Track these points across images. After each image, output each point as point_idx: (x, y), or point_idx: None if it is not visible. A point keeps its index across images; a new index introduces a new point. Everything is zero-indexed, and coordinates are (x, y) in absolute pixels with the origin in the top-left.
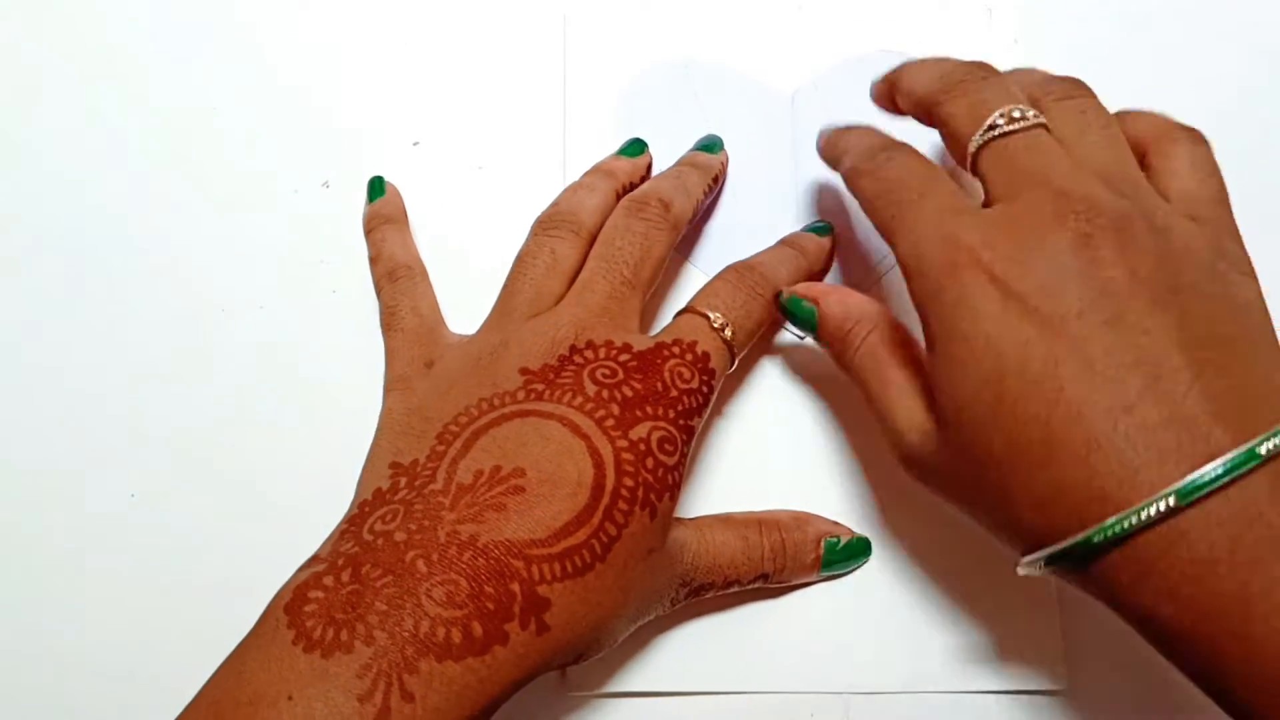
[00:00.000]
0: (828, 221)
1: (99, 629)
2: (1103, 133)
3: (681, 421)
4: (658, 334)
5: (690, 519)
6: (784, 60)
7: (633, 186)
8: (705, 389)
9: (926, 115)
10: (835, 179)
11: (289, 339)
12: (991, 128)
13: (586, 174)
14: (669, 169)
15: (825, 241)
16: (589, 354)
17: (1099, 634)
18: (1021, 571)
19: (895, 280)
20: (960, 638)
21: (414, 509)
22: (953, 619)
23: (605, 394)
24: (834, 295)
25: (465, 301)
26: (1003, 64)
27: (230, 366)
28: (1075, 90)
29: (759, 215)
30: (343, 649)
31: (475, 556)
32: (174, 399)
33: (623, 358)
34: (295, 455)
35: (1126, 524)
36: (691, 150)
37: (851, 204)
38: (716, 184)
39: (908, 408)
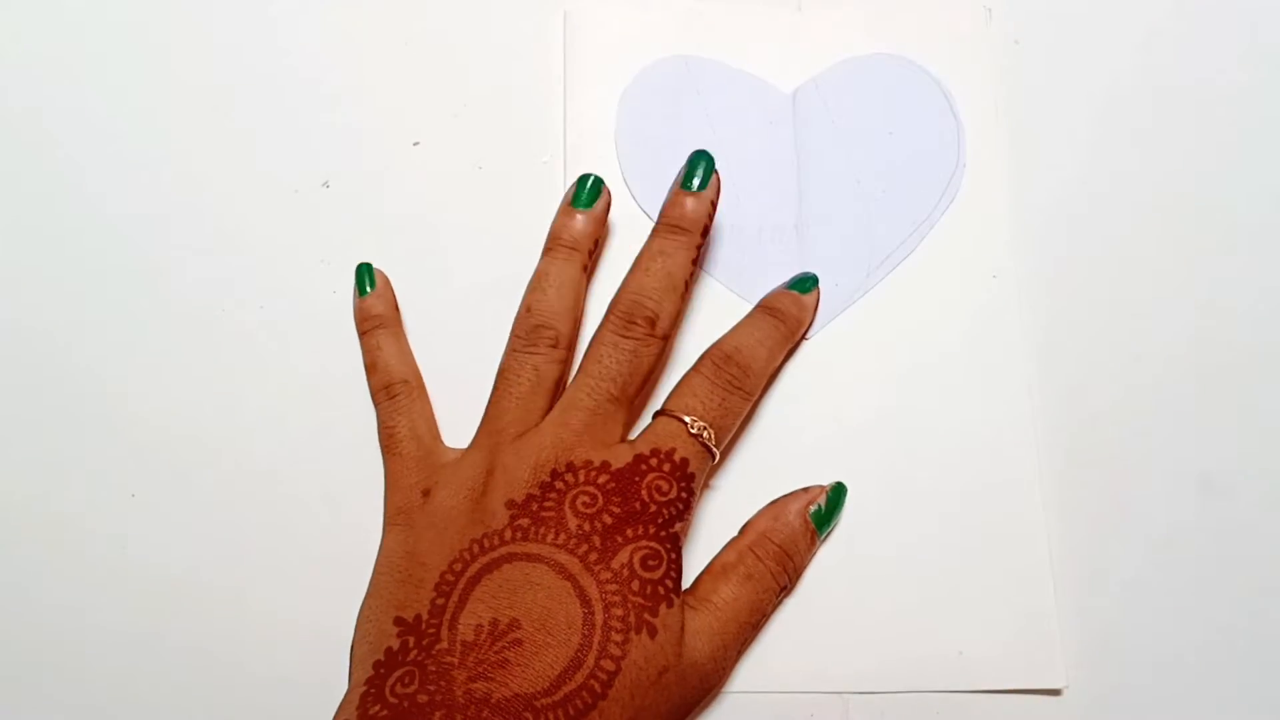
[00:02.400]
0: (814, 274)
1: (99, 629)
2: None
3: (663, 533)
4: (637, 438)
5: (691, 595)
6: (785, 59)
7: (598, 244)
8: (685, 494)
9: None
10: (839, 177)
11: (289, 339)
12: None
13: (549, 256)
14: (653, 246)
15: (808, 300)
16: (569, 478)
17: (1099, 634)
18: None
19: (899, 278)
20: (959, 637)
21: (428, 670)
22: (951, 618)
23: (586, 526)
24: None
25: (465, 303)
26: (1003, 64)
27: (230, 366)
28: None
29: (760, 215)
30: None
31: (492, 714)
32: (174, 398)
33: (601, 479)
34: (295, 455)
35: None
36: (673, 203)
37: (855, 201)
38: (711, 221)
39: None
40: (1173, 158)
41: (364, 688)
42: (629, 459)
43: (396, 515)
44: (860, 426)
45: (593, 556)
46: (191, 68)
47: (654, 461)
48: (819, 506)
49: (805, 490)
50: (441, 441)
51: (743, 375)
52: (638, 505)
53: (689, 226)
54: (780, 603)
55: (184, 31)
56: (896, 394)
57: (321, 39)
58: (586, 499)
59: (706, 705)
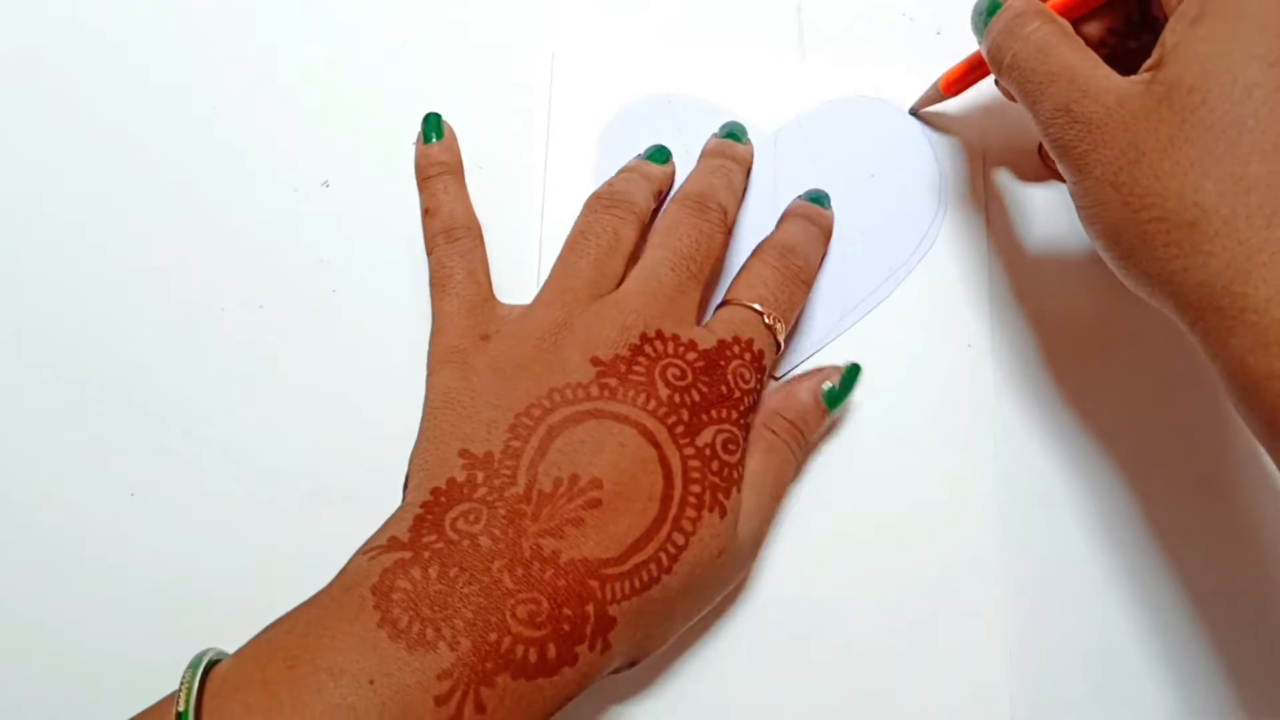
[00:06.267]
0: (824, 190)
1: (99, 628)
2: None
3: (743, 420)
4: (710, 323)
5: None
6: (772, 100)
7: (661, 195)
8: (760, 385)
9: None
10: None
11: (289, 339)
12: None
13: (628, 169)
14: (711, 162)
15: (830, 214)
16: (658, 345)
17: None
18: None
19: (869, 326)
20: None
21: (497, 512)
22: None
23: (677, 398)
24: None
25: None
26: (992, 118)
27: (230, 366)
28: None
29: (741, 254)
30: (427, 647)
31: (556, 576)
32: (174, 398)
33: (690, 356)
34: (294, 454)
35: None
36: (719, 138)
37: (832, 244)
38: (749, 176)
39: (1106, 73)
40: None
41: (419, 510)
42: (714, 343)
43: (450, 354)
44: (813, 484)
45: (679, 429)
46: (192, 67)
47: (736, 349)
48: (832, 385)
49: (819, 369)
50: (495, 294)
51: (805, 267)
52: (723, 389)
53: (739, 159)
54: (795, 477)
55: (184, 30)
56: (853, 452)
57: (321, 39)
58: (677, 371)
59: (731, 598)
